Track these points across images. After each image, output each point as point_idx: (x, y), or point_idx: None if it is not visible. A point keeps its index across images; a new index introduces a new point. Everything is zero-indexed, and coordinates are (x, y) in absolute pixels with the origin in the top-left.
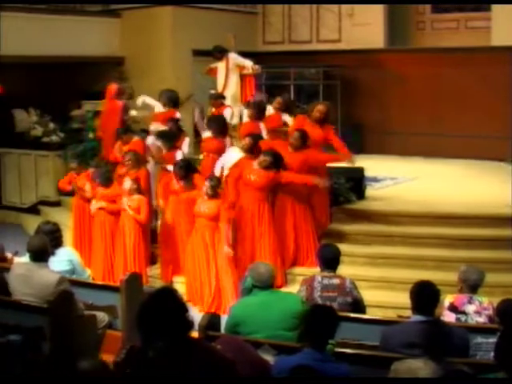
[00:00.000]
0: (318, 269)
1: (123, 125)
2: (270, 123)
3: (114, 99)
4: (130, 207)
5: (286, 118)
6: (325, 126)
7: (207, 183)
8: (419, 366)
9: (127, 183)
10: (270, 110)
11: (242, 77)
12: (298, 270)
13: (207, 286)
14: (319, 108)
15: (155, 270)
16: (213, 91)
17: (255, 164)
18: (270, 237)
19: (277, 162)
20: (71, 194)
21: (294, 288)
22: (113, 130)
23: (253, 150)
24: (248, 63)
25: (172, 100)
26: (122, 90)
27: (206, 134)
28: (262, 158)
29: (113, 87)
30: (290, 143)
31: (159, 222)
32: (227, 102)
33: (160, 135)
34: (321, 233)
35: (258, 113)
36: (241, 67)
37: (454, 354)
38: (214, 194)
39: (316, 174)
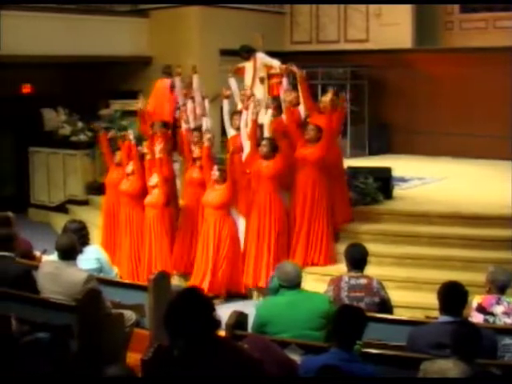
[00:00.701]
0: (332, 267)
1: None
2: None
3: (171, 91)
4: (151, 202)
5: (302, 110)
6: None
7: (215, 170)
8: (449, 367)
9: (154, 179)
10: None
11: (270, 76)
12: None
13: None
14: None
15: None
16: (246, 87)
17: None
18: (279, 227)
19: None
20: (101, 192)
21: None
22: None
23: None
24: (275, 63)
25: None
26: (173, 83)
27: (232, 132)
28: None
29: (166, 81)
30: (307, 138)
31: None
32: None
33: None
34: (336, 230)
35: (279, 108)
36: (268, 67)
37: (482, 356)
38: (223, 179)
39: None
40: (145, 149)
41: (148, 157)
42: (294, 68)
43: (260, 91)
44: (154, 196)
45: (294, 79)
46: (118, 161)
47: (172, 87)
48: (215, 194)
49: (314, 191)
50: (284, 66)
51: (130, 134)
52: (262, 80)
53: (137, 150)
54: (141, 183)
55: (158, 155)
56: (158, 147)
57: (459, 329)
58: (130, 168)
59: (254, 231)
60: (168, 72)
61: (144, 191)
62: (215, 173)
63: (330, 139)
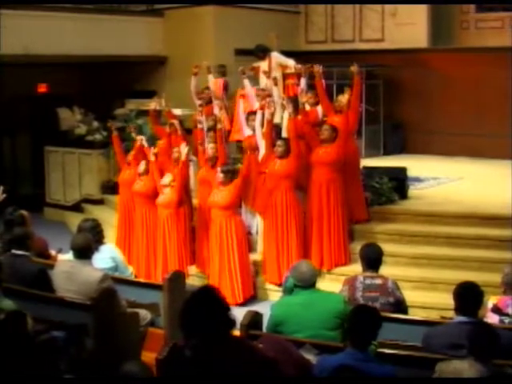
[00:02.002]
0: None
1: None
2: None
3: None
4: (164, 202)
5: (320, 110)
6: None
7: (219, 172)
8: (464, 367)
9: (167, 179)
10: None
11: (285, 76)
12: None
13: (225, 278)
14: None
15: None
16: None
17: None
18: (296, 226)
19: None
20: (115, 192)
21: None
22: None
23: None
24: (290, 62)
25: None
26: (226, 83)
27: (248, 132)
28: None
29: (220, 81)
30: (322, 138)
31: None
32: None
33: None
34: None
35: (297, 109)
36: (283, 67)
37: (498, 356)
38: (228, 181)
39: (350, 169)
40: (156, 148)
41: (152, 157)
42: (315, 67)
43: (275, 91)
44: (167, 196)
45: (309, 79)
46: (130, 161)
47: (225, 87)
48: (221, 194)
49: (329, 191)
50: (303, 67)
51: (142, 140)
52: (275, 81)
53: (150, 152)
54: (154, 183)
55: (183, 157)
56: (186, 149)
57: (476, 329)
58: (141, 168)
59: (273, 231)
60: (222, 72)
61: (157, 191)
62: (219, 175)
63: (346, 138)
